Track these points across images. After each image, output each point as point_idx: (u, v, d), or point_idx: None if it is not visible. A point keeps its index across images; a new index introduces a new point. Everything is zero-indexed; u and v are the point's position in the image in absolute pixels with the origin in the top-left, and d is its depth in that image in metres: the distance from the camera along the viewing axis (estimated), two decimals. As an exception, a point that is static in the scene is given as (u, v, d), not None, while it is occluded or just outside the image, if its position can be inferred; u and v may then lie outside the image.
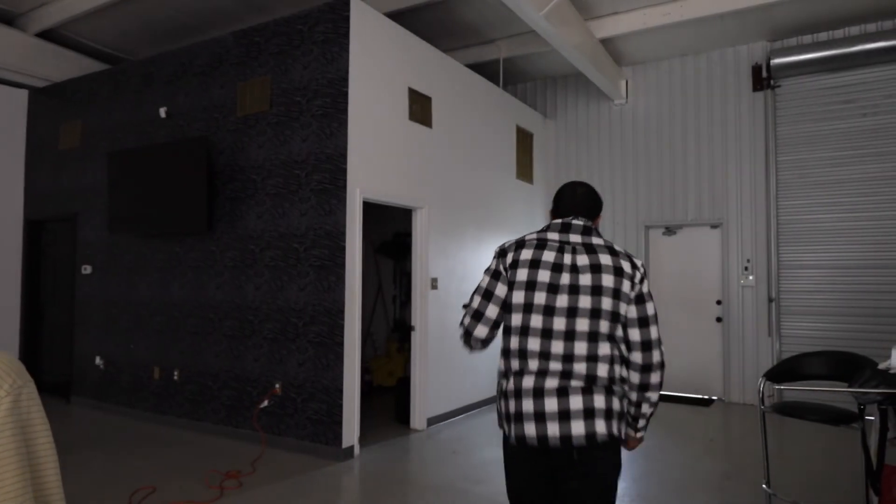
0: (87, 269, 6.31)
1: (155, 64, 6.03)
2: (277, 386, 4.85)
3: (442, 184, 5.80)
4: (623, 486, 4.02)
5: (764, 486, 3.46)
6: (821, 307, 6.38)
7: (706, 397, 6.87)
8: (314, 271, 4.77)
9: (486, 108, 6.62)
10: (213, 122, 5.43)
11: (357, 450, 4.70)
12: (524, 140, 7.35)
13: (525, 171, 7.39)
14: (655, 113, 7.39)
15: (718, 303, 6.91)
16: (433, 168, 5.68)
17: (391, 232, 7.80)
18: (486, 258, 6.54)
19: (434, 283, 5.65)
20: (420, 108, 5.48)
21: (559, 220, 1.91)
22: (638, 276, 1.77)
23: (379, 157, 4.99)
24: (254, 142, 5.16)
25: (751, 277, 6.69)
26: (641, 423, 1.83)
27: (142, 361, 5.79)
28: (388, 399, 6.25)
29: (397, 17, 5.71)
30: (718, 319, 6.89)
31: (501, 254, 1.87)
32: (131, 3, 6.40)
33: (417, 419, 5.51)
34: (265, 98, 5.10)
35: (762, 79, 6.72)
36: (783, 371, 3.48)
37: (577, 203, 1.93)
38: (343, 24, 4.73)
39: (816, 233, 6.45)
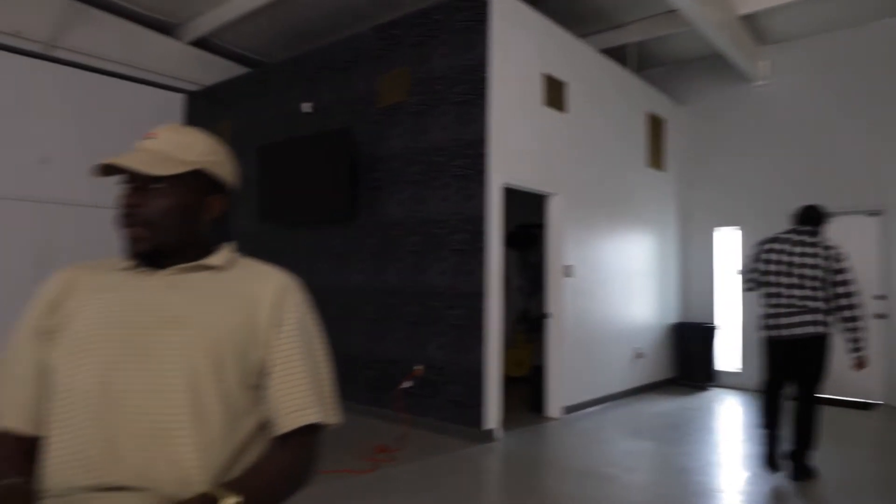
0: (236, 258, 6.77)
1: (298, 63, 6.38)
2: (419, 368, 4.97)
3: (574, 170, 5.70)
4: (792, 486, 3.77)
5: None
6: None
7: (865, 401, 6.28)
8: (455, 256, 4.84)
9: (618, 94, 6.44)
10: (354, 115, 5.67)
11: (498, 433, 4.72)
12: (656, 126, 7.09)
13: (656, 158, 7.12)
14: (803, 93, 6.86)
15: (879, 298, 6.30)
16: (566, 154, 5.60)
17: (514, 223, 7.77)
18: (619, 245, 6.37)
19: (569, 271, 5.57)
20: (554, 93, 5.43)
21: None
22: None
23: (516, 143, 4.99)
24: (393, 131, 5.33)
25: (920, 269, 6.04)
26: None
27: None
28: (519, 388, 6.23)
29: (532, 2, 5.68)
30: (880, 316, 6.28)
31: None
32: (270, 11, 6.84)
33: (553, 408, 5.45)
34: (404, 88, 5.25)
35: (933, 48, 6.06)
36: None
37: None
38: (481, 12, 4.77)
39: None
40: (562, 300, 5.48)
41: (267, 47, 7.94)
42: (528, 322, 7.50)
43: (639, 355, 6.67)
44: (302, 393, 1.06)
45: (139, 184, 1.07)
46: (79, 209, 6.70)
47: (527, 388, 6.04)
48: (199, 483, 0.93)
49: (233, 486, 0.92)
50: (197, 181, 1.10)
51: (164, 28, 7.51)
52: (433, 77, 5.07)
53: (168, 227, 1.07)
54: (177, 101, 7.63)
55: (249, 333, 1.04)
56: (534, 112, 5.21)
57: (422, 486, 3.73)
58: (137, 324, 1.00)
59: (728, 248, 7.43)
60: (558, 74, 5.45)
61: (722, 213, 7.41)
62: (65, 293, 1.08)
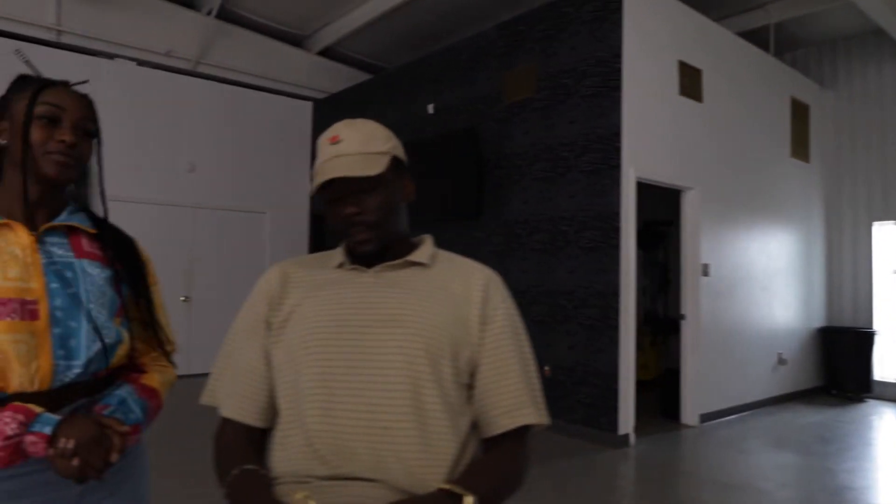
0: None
1: (420, 66, 6.49)
2: (547, 368, 4.87)
3: (711, 163, 5.36)
4: None
5: None
6: None
7: None
8: (585, 254, 4.70)
9: (758, 79, 5.99)
10: (478, 114, 5.67)
11: (632, 438, 4.52)
12: (799, 113, 6.53)
13: (800, 148, 6.55)
14: (980, 68, 6.05)
15: None
16: (703, 146, 5.28)
17: (639, 220, 7.46)
18: (759, 242, 5.92)
19: (706, 270, 5.24)
20: (690, 81, 5.13)
21: None
22: None
23: (650, 136, 4.77)
24: (519, 128, 5.27)
25: None
26: None
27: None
28: (647, 393, 5.96)
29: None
30: None
31: None
32: (390, 18, 7.04)
33: (689, 414, 5.16)
34: (531, 84, 5.18)
35: None
36: None
37: None
38: (614, 1, 4.60)
39: None
40: (697, 301, 5.17)
41: (388, 53, 8.17)
42: (655, 324, 7.17)
43: (781, 361, 6.17)
44: (516, 392, 1.03)
45: (352, 188, 1.04)
46: (221, 212, 7.22)
47: (656, 393, 5.77)
48: (428, 481, 0.93)
49: (463, 485, 0.90)
50: (394, 168, 1.10)
51: (295, 40, 7.94)
52: (561, 71, 4.96)
53: (387, 221, 1.07)
54: (306, 109, 8.03)
55: (461, 331, 1.03)
56: (668, 102, 4.96)
57: (554, 490, 3.63)
58: (357, 322, 1.01)
59: (888, 245, 6.69)
60: (694, 61, 5.15)
61: (880, 207, 6.69)
62: (282, 288, 1.10)
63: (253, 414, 1.04)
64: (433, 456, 0.95)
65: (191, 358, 6.94)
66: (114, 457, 0.98)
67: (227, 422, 1.06)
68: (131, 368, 1.19)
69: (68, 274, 1.07)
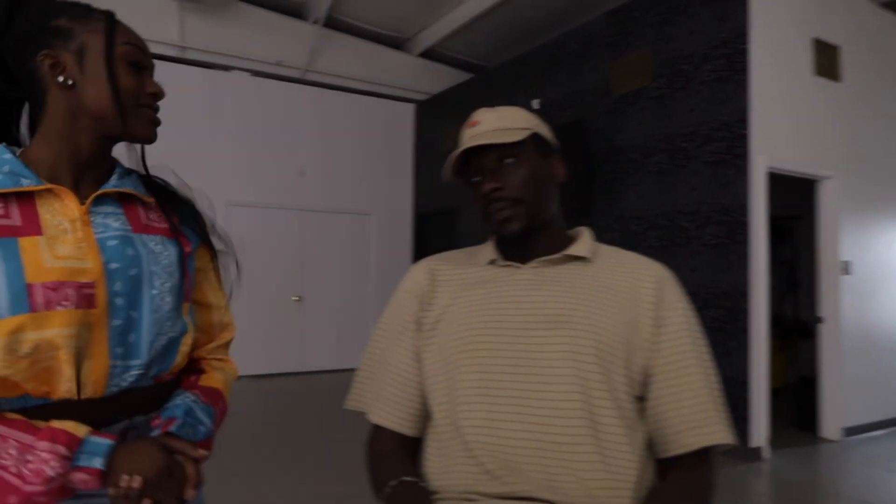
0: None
1: (523, 61, 6.35)
2: (666, 373, 4.57)
3: (852, 149, 4.83)
4: None
5: None
6: None
7: None
8: (708, 251, 4.37)
9: (905, 54, 5.35)
10: (585, 107, 5.45)
11: (766, 452, 4.14)
12: (956, 90, 5.76)
13: (957, 129, 5.79)
14: None
15: None
16: (842, 131, 4.77)
17: (762, 215, 6.92)
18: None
19: (846, 268, 4.73)
20: (826, 60, 4.65)
21: None
22: None
23: (782, 121, 4.36)
24: (632, 120, 5.00)
25: None
26: None
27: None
28: (776, 402, 5.46)
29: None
30: None
31: None
32: (489, 16, 6.95)
33: (829, 427, 4.67)
34: (644, 73, 4.89)
35: None
36: None
37: None
38: (738, -24, 4.25)
39: None
40: (837, 302, 4.67)
41: (489, 51, 8.09)
42: (782, 327, 6.60)
43: (938, 371, 5.46)
44: (701, 405, 0.89)
45: (491, 163, 0.98)
46: (328, 214, 7.42)
47: (787, 403, 5.29)
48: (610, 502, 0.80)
49: None
50: (537, 146, 1.01)
51: (396, 44, 8.04)
52: (678, 56, 4.64)
53: (533, 198, 0.98)
54: (409, 111, 8.10)
55: (632, 335, 0.91)
56: (802, 84, 4.51)
57: None
58: (515, 323, 0.91)
59: None
60: (830, 38, 4.67)
61: None
62: (432, 287, 1.02)
63: (405, 422, 0.97)
64: (614, 476, 0.82)
65: (305, 355, 7.19)
66: (190, 493, 0.80)
67: (378, 428, 0.99)
68: (186, 366, 0.99)
69: (129, 251, 0.85)
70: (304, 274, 7.21)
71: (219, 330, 1.03)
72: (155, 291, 0.86)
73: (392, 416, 0.97)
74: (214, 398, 0.95)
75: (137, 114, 0.87)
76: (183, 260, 0.93)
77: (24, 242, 0.77)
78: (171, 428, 0.84)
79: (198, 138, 6.53)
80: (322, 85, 7.47)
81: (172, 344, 0.89)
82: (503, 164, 0.98)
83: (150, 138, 0.89)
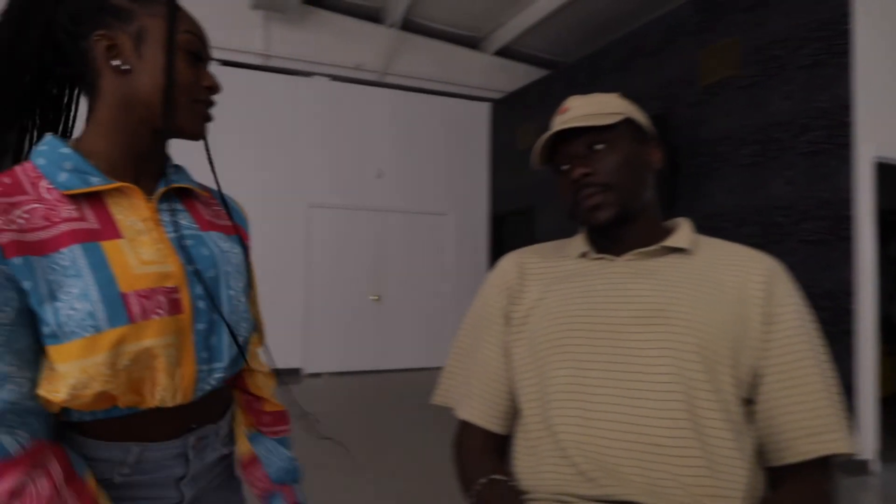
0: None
1: (602, 55, 6.18)
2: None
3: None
4: None
5: None
6: None
7: None
8: (806, 247, 4.09)
9: None
10: (669, 99, 5.24)
11: (875, 465, 3.83)
12: None
13: None
14: None
15: None
16: (962, 114, 4.34)
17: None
18: None
19: (968, 265, 4.30)
20: (942, 38, 4.24)
21: None
22: None
23: (890, 106, 4.02)
24: (719, 111, 4.76)
25: None
26: None
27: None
28: (885, 410, 5.05)
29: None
30: None
31: None
32: (566, 10, 6.81)
33: (948, 440, 4.26)
34: (734, 61, 4.64)
35: None
36: None
37: None
38: (838, -48, 3.95)
39: None
40: (958, 303, 4.25)
41: (566, 46, 7.94)
42: (891, 330, 6.09)
43: None
44: (819, 410, 0.82)
45: (581, 149, 0.93)
46: (406, 215, 7.51)
47: (900, 412, 4.86)
48: None
49: None
50: (631, 131, 0.95)
51: (471, 43, 8.03)
52: (771, 42, 4.37)
53: (625, 184, 0.92)
54: (484, 110, 8.08)
55: (740, 332, 0.83)
56: (913, 65, 4.14)
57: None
58: (610, 318, 0.86)
59: None
60: (947, 13, 4.26)
61: None
62: (521, 280, 0.99)
63: (494, 419, 0.94)
64: (722, 484, 0.76)
65: (383, 354, 7.31)
66: None
67: (466, 425, 0.96)
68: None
69: (204, 251, 0.82)
70: (382, 274, 7.33)
71: (260, 334, 1.00)
72: (232, 292, 0.84)
73: (480, 412, 0.94)
74: (285, 419, 1.00)
75: (190, 108, 0.81)
76: (246, 258, 0.91)
77: (108, 247, 0.73)
78: (299, 499, 0.95)
79: (280, 143, 6.77)
80: (399, 87, 7.58)
81: (246, 344, 0.88)
82: (593, 150, 0.93)
83: (199, 135, 0.83)
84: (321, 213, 6.99)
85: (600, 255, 0.95)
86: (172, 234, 0.80)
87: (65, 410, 0.75)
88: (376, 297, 7.25)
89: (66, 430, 0.76)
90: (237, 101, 6.45)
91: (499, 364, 0.94)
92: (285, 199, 6.78)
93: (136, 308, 0.72)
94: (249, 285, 0.90)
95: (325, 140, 7.05)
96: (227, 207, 0.92)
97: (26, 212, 0.71)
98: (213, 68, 6.71)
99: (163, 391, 0.75)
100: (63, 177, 0.74)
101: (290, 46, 6.97)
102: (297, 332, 6.78)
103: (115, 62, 0.76)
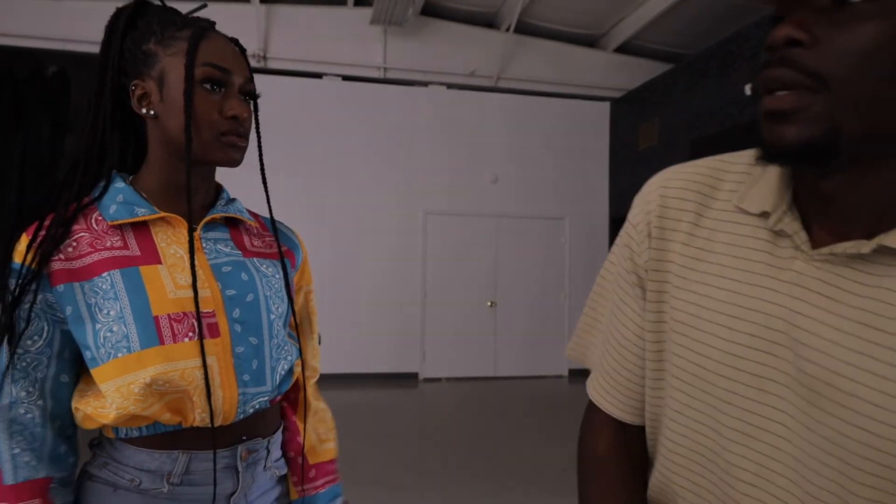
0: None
1: (732, 43, 5.73)
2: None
3: None
4: None
5: None
6: None
7: None
8: None
9: None
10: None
11: None
12: None
13: None
14: None
15: None
16: None
17: None
18: None
19: None
20: None
21: None
22: None
23: None
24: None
25: None
26: None
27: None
28: None
29: None
30: None
31: None
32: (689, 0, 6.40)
33: None
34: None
35: None
36: None
37: None
38: None
39: None
40: None
41: (691, 37, 7.45)
42: None
43: None
44: None
45: (818, 2, 0.50)
46: (521, 220, 7.42)
47: None
48: None
49: None
50: None
51: (589, 41, 7.78)
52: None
53: (860, 87, 0.48)
54: (604, 110, 7.79)
55: None
56: None
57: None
58: (798, 347, 0.55)
59: None
60: None
61: None
62: (659, 233, 0.69)
63: (627, 407, 0.73)
64: None
65: (498, 361, 7.26)
66: None
67: (595, 407, 0.76)
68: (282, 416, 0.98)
69: (243, 276, 0.86)
70: (497, 280, 7.28)
71: (310, 371, 1.02)
72: (273, 316, 0.87)
73: (609, 396, 0.74)
74: (332, 471, 1.02)
75: (217, 141, 0.82)
76: (288, 283, 0.93)
77: (146, 272, 0.79)
78: None
79: (397, 153, 6.95)
80: (513, 91, 7.51)
81: (290, 367, 0.91)
82: (844, 5, 0.48)
83: (234, 163, 0.85)
84: (437, 219, 7.08)
85: (784, 230, 0.57)
86: (213, 261, 0.85)
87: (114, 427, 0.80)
88: (491, 304, 7.21)
89: (115, 439, 0.81)
90: (358, 113, 6.71)
91: (634, 347, 0.72)
92: (402, 207, 6.95)
93: (167, 331, 0.77)
94: (291, 308, 0.93)
95: (440, 148, 7.14)
96: (276, 233, 0.95)
97: (75, 240, 0.78)
98: (335, 84, 7.13)
99: (201, 413, 0.79)
100: (113, 209, 0.81)
101: (408, 57, 7.13)
102: (415, 337, 6.92)
103: (144, 110, 0.83)
